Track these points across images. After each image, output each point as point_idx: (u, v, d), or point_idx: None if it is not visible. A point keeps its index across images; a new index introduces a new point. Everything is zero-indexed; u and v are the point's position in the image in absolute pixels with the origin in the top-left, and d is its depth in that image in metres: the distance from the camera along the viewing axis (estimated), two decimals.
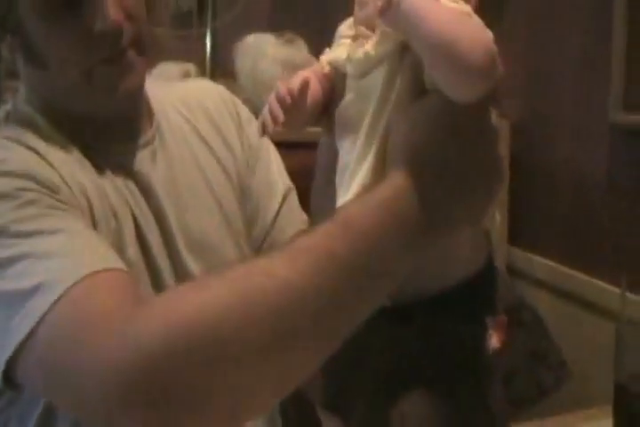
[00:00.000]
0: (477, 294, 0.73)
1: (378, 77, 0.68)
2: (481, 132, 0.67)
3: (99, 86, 0.90)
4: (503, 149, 0.73)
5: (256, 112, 0.94)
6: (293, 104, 0.71)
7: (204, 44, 2.68)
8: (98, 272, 0.73)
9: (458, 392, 0.70)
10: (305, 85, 0.71)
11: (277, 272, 0.63)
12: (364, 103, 0.69)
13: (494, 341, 0.72)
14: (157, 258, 0.93)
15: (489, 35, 0.64)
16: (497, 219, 0.74)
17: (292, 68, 1.81)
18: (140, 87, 0.96)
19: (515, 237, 1.84)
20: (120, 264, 0.78)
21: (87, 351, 0.67)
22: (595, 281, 1.66)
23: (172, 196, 0.96)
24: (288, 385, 0.66)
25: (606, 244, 1.67)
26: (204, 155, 1.03)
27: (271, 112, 0.71)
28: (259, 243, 1.06)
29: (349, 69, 0.71)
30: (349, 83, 0.71)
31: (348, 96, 0.71)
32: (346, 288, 0.63)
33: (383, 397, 0.72)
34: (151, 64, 1.00)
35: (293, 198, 1.09)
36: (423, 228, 0.64)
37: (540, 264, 1.79)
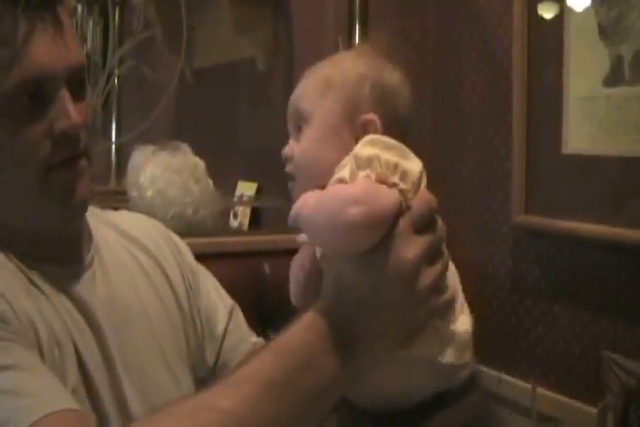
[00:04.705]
0: (437, 413, 0.77)
1: None
2: (397, 272, 0.73)
3: (54, 192, 0.89)
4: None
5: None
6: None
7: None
8: (50, 414, 0.74)
9: None
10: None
11: (222, 405, 0.67)
12: None
13: None
14: (99, 385, 0.92)
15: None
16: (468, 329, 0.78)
17: (176, 171, 1.98)
18: (90, 198, 0.94)
19: None
20: (70, 403, 0.78)
21: None
22: (506, 377, 1.72)
23: (110, 319, 0.96)
24: None
25: (512, 341, 1.74)
26: (143, 283, 1.03)
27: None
28: (212, 363, 1.06)
29: None
30: None
31: None
32: (289, 409, 0.68)
33: None
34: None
35: (237, 314, 1.11)
36: (348, 344, 0.70)
37: None
